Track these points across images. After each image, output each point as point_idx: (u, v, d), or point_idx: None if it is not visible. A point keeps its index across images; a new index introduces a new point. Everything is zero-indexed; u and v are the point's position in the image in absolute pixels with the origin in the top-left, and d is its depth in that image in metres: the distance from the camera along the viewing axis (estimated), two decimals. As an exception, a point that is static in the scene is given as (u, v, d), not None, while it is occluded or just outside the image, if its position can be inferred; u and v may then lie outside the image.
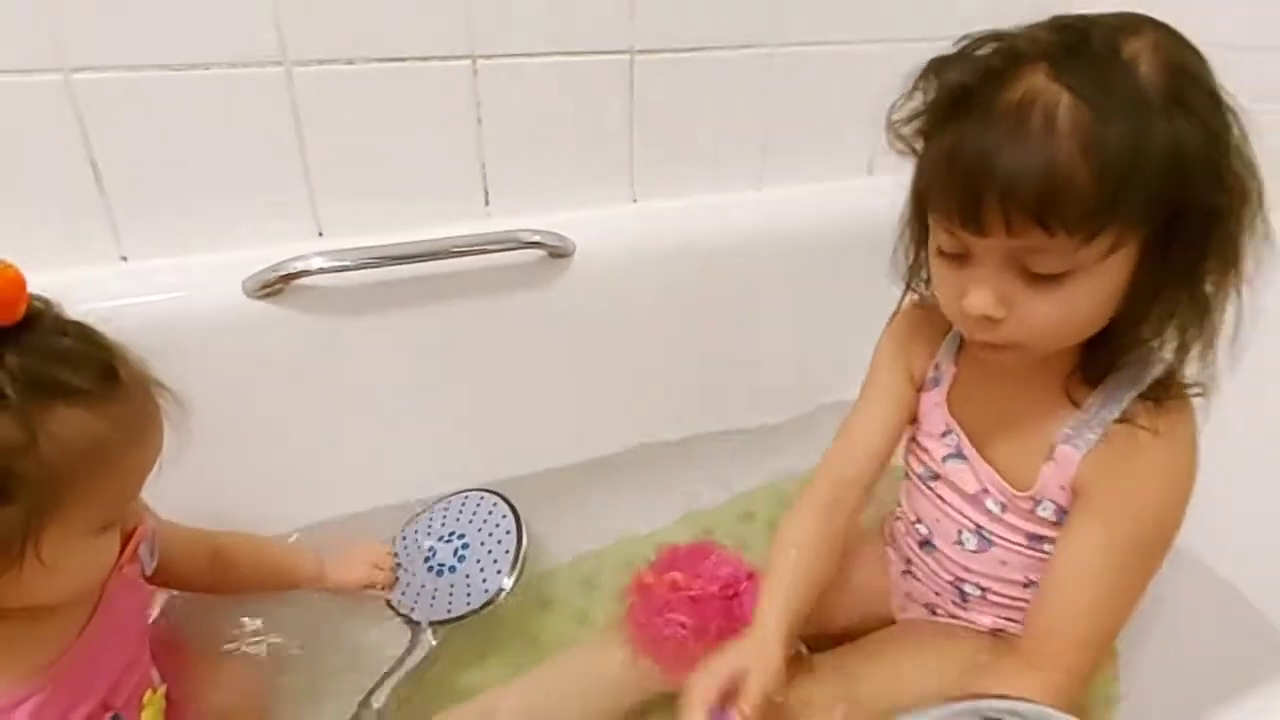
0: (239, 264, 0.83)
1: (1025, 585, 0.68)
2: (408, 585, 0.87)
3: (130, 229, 0.83)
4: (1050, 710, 0.52)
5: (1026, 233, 0.50)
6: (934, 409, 0.70)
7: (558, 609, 0.90)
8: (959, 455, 0.68)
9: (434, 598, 0.85)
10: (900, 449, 0.76)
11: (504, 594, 0.82)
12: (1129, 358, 0.58)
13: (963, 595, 0.72)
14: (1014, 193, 0.49)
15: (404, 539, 0.92)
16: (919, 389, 0.73)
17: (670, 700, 0.69)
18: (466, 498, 0.94)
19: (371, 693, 0.77)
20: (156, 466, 0.56)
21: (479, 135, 0.92)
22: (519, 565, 0.84)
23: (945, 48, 0.56)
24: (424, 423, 0.97)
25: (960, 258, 0.55)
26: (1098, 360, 0.59)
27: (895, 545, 0.80)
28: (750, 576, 0.75)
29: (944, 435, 0.69)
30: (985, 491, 0.66)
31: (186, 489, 0.83)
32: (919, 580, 0.76)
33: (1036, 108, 0.49)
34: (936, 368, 0.71)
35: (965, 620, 0.73)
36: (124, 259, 0.84)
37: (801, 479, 1.04)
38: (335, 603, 0.86)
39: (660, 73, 0.97)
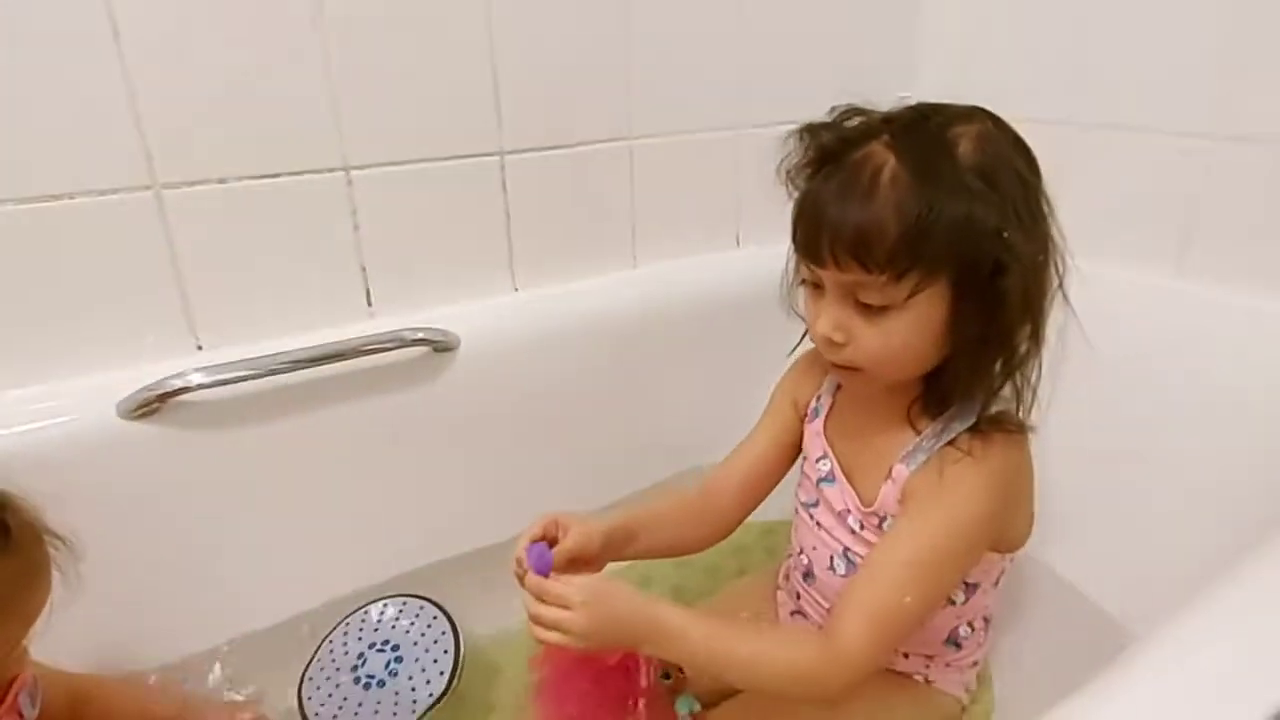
0: (113, 385, 0.82)
1: None
2: (328, 696, 0.83)
3: (-5, 359, 0.81)
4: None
5: (850, 267, 0.61)
6: (815, 437, 0.79)
7: (469, 702, 0.89)
8: (830, 478, 0.76)
9: (356, 714, 0.81)
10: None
11: (431, 711, 0.81)
12: (972, 395, 0.67)
13: None
14: (838, 234, 0.61)
15: (331, 642, 0.88)
16: (804, 419, 0.81)
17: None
18: (404, 604, 0.91)
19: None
20: (45, 611, 0.54)
21: (357, 240, 0.94)
22: (453, 682, 0.82)
23: (782, 132, 0.68)
24: (321, 527, 0.95)
25: (816, 288, 0.66)
26: (935, 394, 0.68)
27: (787, 586, 0.86)
28: None
29: (819, 460, 0.78)
30: (847, 510, 0.74)
31: (78, 621, 0.80)
32: (806, 618, 0.82)
33: (868, 169, 0.61)
34: (818, 399, 0.80)
35: None
36: (-10, 390, 0.81)
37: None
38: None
39: (531, 169, 1.02)
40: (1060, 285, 0.65)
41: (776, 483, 0.84)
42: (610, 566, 0.75)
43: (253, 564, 0.91)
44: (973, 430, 0.67)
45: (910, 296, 0.61)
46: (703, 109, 1.13)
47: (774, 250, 0.73)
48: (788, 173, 0.67)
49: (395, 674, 0.83)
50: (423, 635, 0.87)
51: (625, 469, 1.17)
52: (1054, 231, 0.64)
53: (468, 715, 0.88)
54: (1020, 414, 0.68)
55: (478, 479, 1.05)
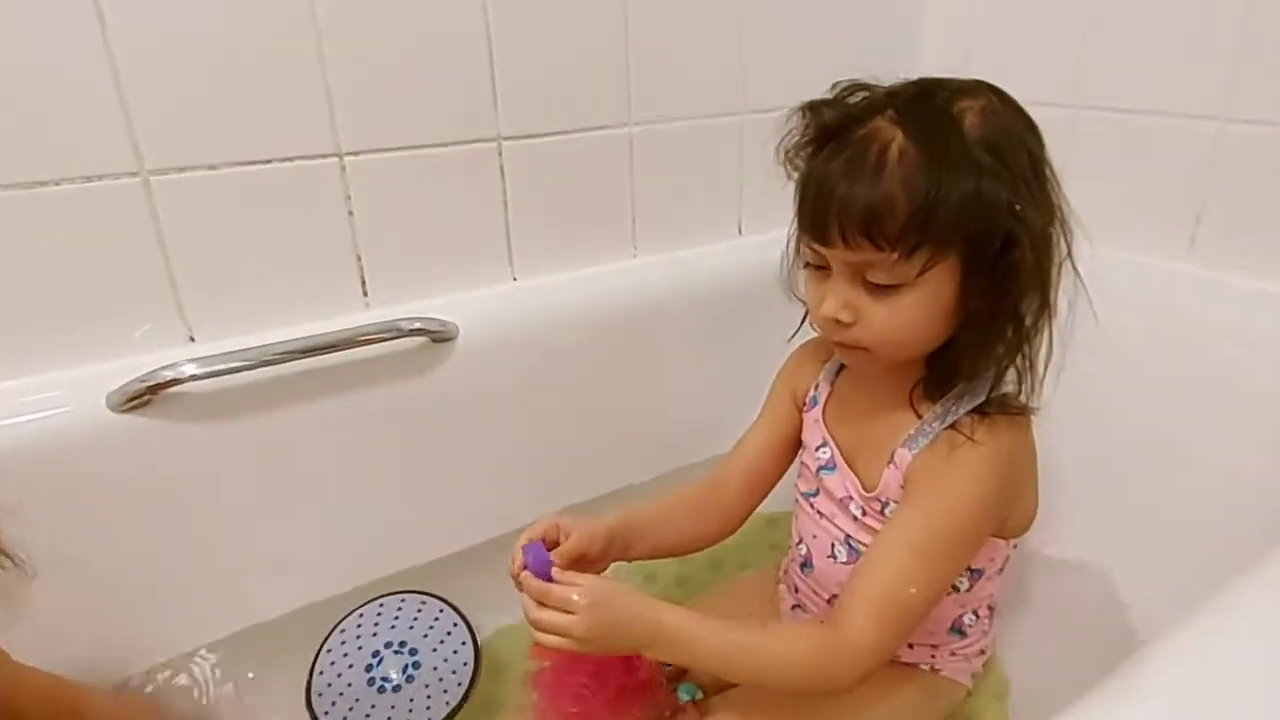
0: (103, 377, 0.80)
1: None
2: (339, 695, 0.78)
3: (-18, 352, 0.79)
4: None
5: (859, 246, 0.60)
6: (814, 425, 0.78)
7: (471, 699, 0.87)
8: (830, 466, 0.75)
9: (367, 716, 0.77)
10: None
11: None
12: (977, 374, 0.65)
13: None
14: (847, 212, 0.59)
15: (343, 632, 0.84)
16: (802, 409, 0.80)
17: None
18: (424, 603, 0.86)
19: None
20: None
21: (352, 228, 0.92)
22: (470, 695, 0.79)
23: (785, 117, 0.66)
24: (316, 522, 0.93)
25: (821, 270, 0.65)
26: (938, 375, 0.67)
27: (786, 580, 0.85)
28: None
29: (819, 449, 0.76)
30: (849, 497, 0.73)
31: (68, 616, 0.79)
32: (805, 611, 0.81)
33: (875, 145, 0.60)
34: (816, 388, 0.79)
35: None
36: (-23, 384, 0.79)
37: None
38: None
39: (529, 156, 1.01)
40: (1069, 254, 0.64)
41: (780, 475, 0.83)
42: (614, 566, 0.74)
43: (247, 559, 0.89)
44: (975, 413, 0.66)
45: (921, 274, 0.60)
46: (704, 94, 1.12)
47: (776, 238, 0.72)
48: (787, 153, 0.66)
49: (412, 679, 0.79)
50: (441, 643, 0.84)
51: (627, 461, 1.15)
52: (1060, 201, 0.64)
53: (471, 712, 0.86)
54: (1024, 395, 0.67)
55: (477, 471, 1.03)
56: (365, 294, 0.96)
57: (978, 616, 0.78)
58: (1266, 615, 0.54)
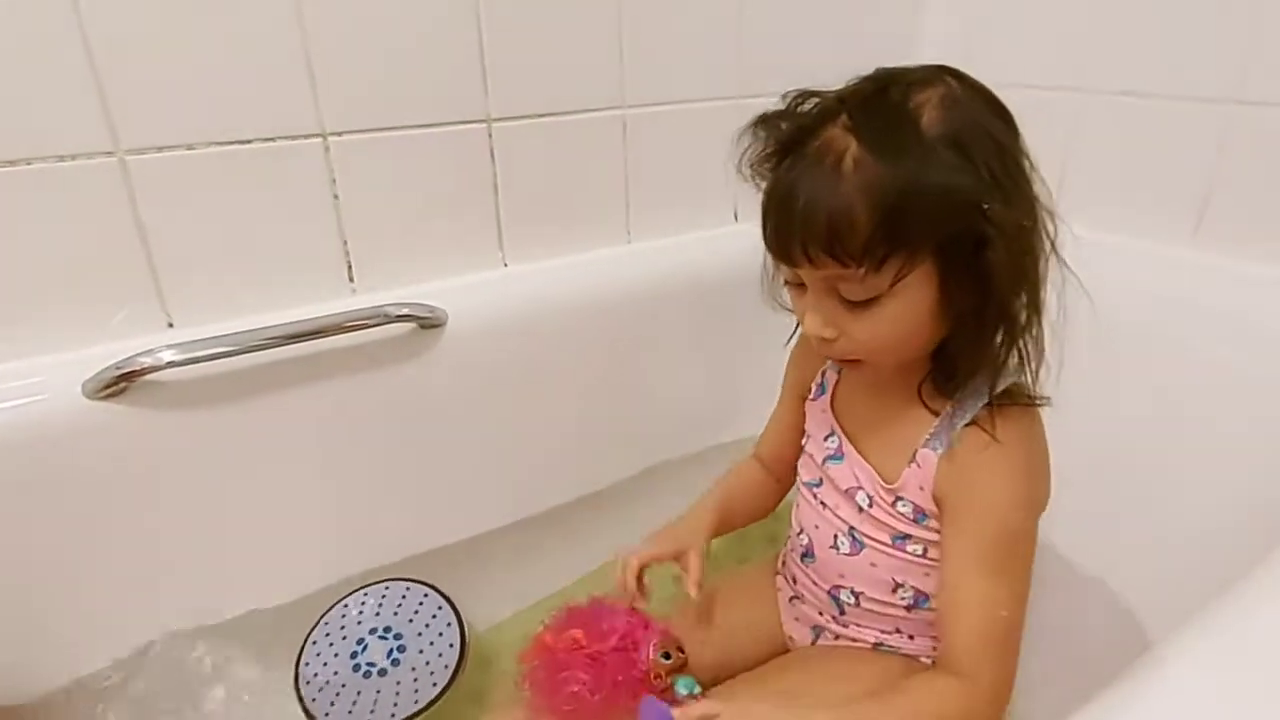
0: (78, 364, 0.77)
1: (894, 589, 0.71)
2: (325, 684, 0.78)
3: (-48, 338, 0.76)
4: None
5: (825, 264, 0.58)
6: (820, 414, 0.76)
7: (460, 691, 0.85)
8: (838, 456, 0.73)
9: (354, 703, 0.77)
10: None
11: (431, 706, 0.77)
12: (978, 370, 0.63)
13: (839, 606, 0.75)
14: (808, 230, 0.57)
15: (327, 624, 0.84)
16: (809, 399, 0.79)
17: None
18: (408, 589, 0.86)
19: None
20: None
21: (337, 211, 0.90)
22: (457, 676, 0.79)
23: (780, 99, 0.64)
24: (299, 514, 0.91)
25: (799, 286, 0.63)
26: (945, 372, 0.65)
27: (785, 570, 0.84)
28: (647, 626, 0.74)
29: (826, 438, 0.75)
30: (858, 486, 0.71)
31: (39, 607, 0.77)
32: (804, 602, 0.80)
33: (829, 155, 0.57)
34: (823, 375, 0.78)
35: (848, 639, 0.76)
36: (-53, 371, 0.77)
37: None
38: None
39: (520, 138, 0.98)
40: (1053, 247, 0.61)
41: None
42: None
43: (226, 552, 0.87)
44: (990, 407, 0.64)
45: (895, 284, 0.57)
46: (700, 77, 1.09)
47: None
48: (752, 166, 0.64)
49: (398, 663, 0.79)
50: (427, 626, 0.83)
51: (620, 452, 1.13)
52: (1039, 191, 0.60)
53: (459, 705, 0.84)
54: (1033, 386, 0.65)
55: (467, 462, 1.01)
56: (351, 279, 0.93)
57: None
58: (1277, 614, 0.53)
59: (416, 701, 0.77)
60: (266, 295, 0.88)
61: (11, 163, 0.73)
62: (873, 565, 0.71)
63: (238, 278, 0.87)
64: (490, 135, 0.96)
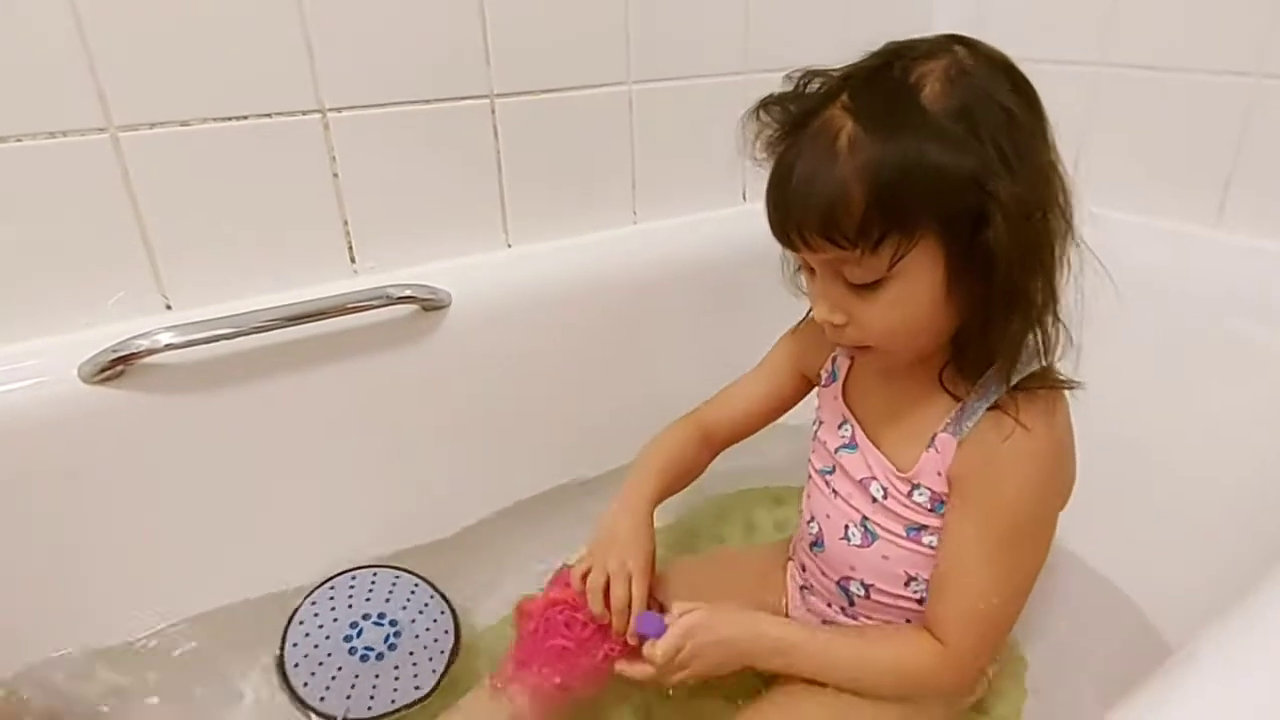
0: (74, 347, 0.75)
1: (906, 583, 0.69)
2: (319, 665, 0.75)
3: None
4: None
5: (822, 247, 0.56)
6: (832, 402, 0.74)
7: (459, 685, 0.83)
8: (851, 445, 0.71)
9: (353, 687, 0.75)
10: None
11: (431, 694, 0.76)
12: (994, 355, 0.61)
13: (849, 598, 0.73)
14: (803, 212, 0.56)
15: (314, 604, 0.81)
16: (819, 385, 0.77)
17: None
18: (398, 577, 0.84)
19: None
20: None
21: (337, 191, 0.88)
22: (451, 663, 0.78)
23: (790, 75, 0.62)
24: (298, 500, 0.90)
25: (810, 269, 0.62)
26: (967, 357, 0.62)
27: (795, 558, 0.82)
28: None
29: (840, 426, 0.73)
30: (872, 477, 0.69)
31: (32, 591, 0.76)
32: (814, 593, 0.78)
33: (826, 136, 0.55)
34: (834, 362, 0.76)
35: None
36: (-58, 354, 0.75)
37: (721, 495, 1.06)
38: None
39: (523, 115, 0.96)
40: (1069, 229, 0.58)
41: (752, 433, 0.84)
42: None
43: (225, 537, 0.86)
44: (1015, 391, 0.61)
45: (894, 265, 0.55)
46: (707, 52, 1.06)
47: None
48: (763, 150, 0.62)
49: (395, 648, 0.77)
50: (420, 613, 0.81)
51: (625, 436, 1.09)
52: (1057, 167, 0.58)
53: (445, 692, 0.82)
54: (1057, 367, 0.63)
55: (470, 447, 0.99)
56: (352, 260, 0.91)
57: None
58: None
59: (417, 689, 0.76)
60: (266, 276, 0.86)
61: (1, 139, 0.71)
62: (885, 558, 0.69)
63: (236, 259, 0.85)
64: (493, 112, 0.94)
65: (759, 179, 1.12)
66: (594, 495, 1.07)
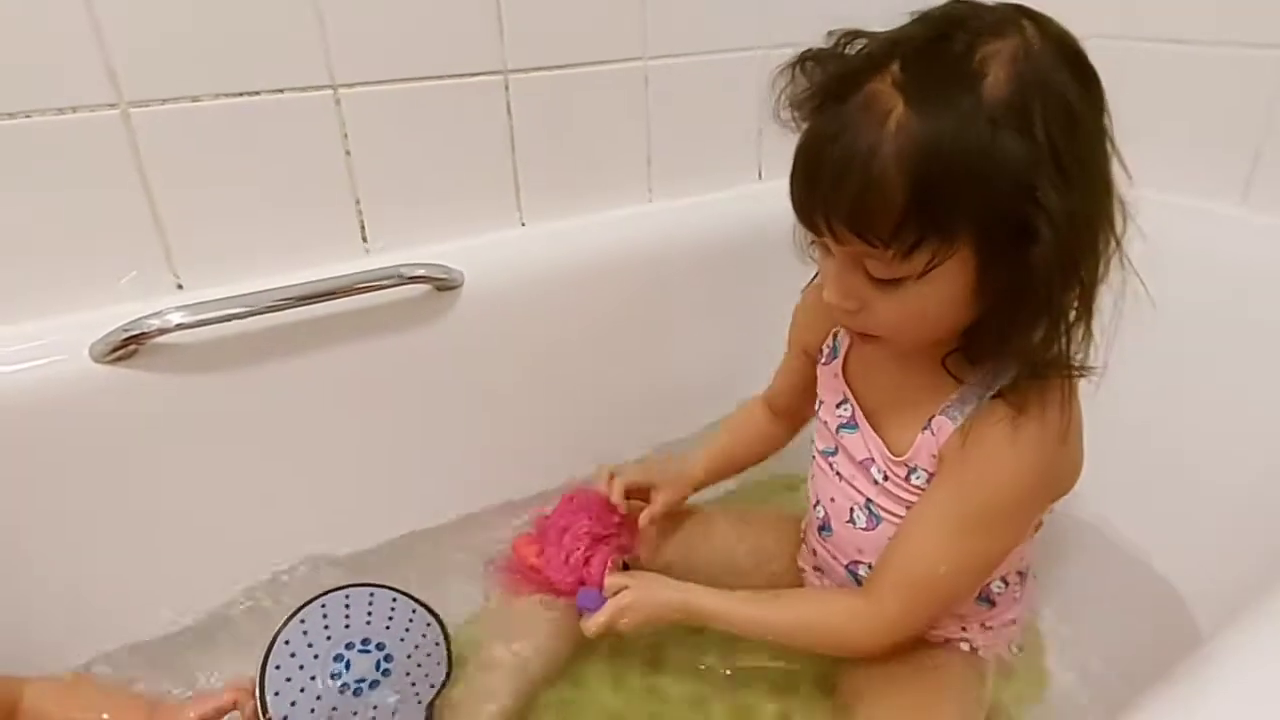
0: (85, 326, 0.75)
1: None
2: (300, 693, 0.67)
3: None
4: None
5: (849, 240, 0.52)
6: (832, 379, 0.72)
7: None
8: (851, 424, 0.69)
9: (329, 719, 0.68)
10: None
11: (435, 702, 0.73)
12: (1010, 357, 0.58)
13: (858, 581, 0.72)
14: (834, 201, 0.51)
15: (288, 643, 0.71)
16: (820, 362, 0.75)
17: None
18: (373, 595, 0.77)
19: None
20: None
21: (349, 168, 0.86)
22: (451, 671, 0.75)
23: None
24: (310, 482, 0.89)
25: (825, 247, 0.57)
26: (977, 350, 0.59)
27: (807, 540, 0.82)
28: (606, 538, 0.81)
29: (839, 405, 0.71)
30: (870, 459, 0.68)
31: (41, 576, 0.75)
32: (824, 573, 0.77)
33: (870, 115, 0.49)
34: (834, 338, 0.73)
35: None
36: (-49, 332, 0.74)
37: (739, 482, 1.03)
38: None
39: (537, 91, 0.94)
40: (1118, 245, 0.53)
41: (813, 408, 0.79)
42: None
43: (236, 520, 0.85)
44: (1021, 376, 0.58)
45: (926, 272, 0.52)
46: (724, 26, 1.04)
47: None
48: (791, 105, 0.56)
49: (389, 673, 0.71)
50: (407, 630, 0.75)
51: (642, 418, 1.10)
52: (1111, 174, 0.53)
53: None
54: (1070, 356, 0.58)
55: (484, 429, 0.98)
56: (364, 239, 0.90)
57: (1006, 584, 0.73)
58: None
59: (419, 705, 0.72)
60: (277, 255, 0.85)
61: (9, 115, 0.70)
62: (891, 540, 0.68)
63: (247, 237, 0.84)
64: (507, 88, 0.92)
65: (776, 157, 1.10)
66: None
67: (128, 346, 0.75)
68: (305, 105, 0.82)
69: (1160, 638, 0.81)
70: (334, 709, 0.68)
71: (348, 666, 0.70)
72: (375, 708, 0.69)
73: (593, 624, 0.71)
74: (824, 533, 0.74)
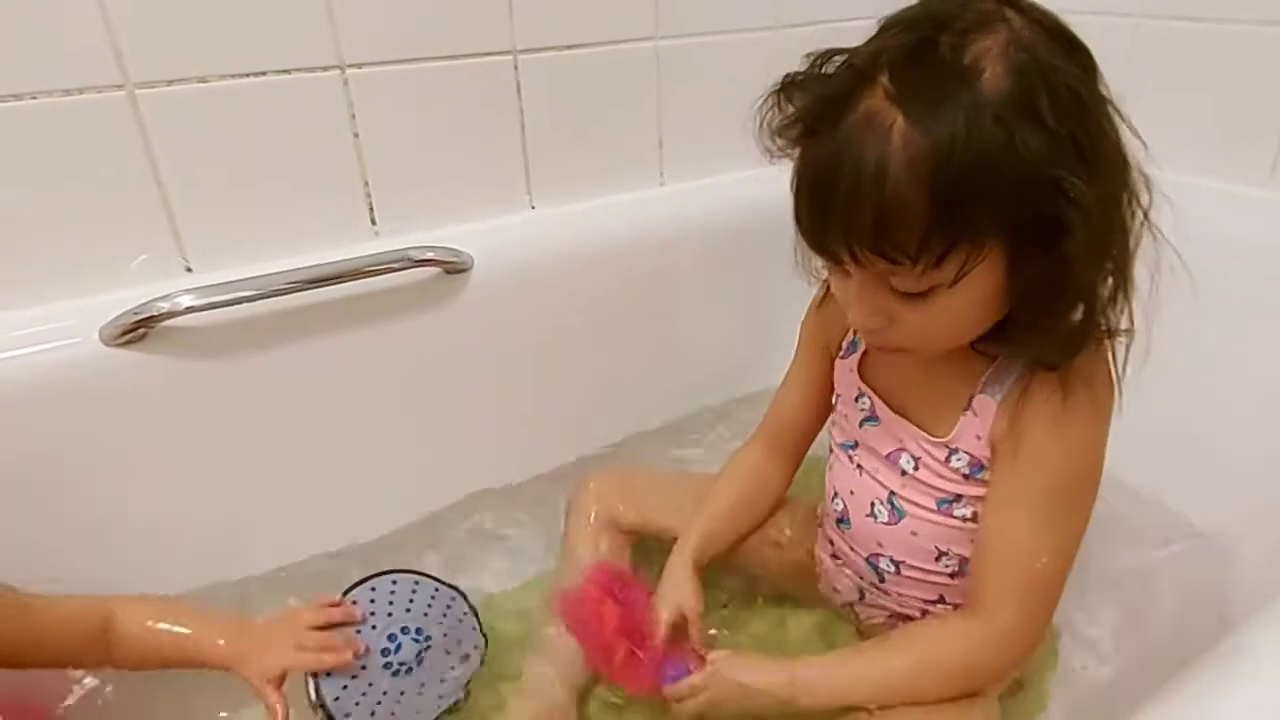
0: (95, 309, 0.75)
1: (938, 558, 0.67)
2: (351, 678, 0.69)
3: (-33, 282, 0.74)
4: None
5: (874, 262, 0.50)
6: (847, 374, 0.71)
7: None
8: (873, 418, 0.68)
9: (379, 703, 0.69)
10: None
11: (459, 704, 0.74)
12: (1057, 348, 0.56)
13: (878, 574, 0.71)
14: (853, 230, 0.49)
15: (355, 604, 0.73)
16: (838, 356, 0.73)
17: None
18: (418, 583, 0.77)
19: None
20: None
21: (357, 150, 0.86)
22: (480, 665, 0.75)
23: (829, 32, 0.56)
24: (320, 466, 0.89)
25: (842, 270, 0.55)
26: (1009, 334, 0.57)
27: (823, 531, 0.80)
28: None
29: (857, 400, 0.70)
30: (900, 449, 0.66)
31: (49, 558, 0.76)
32: (845, 568, 0.76)
33: (872, 135, 0.48)
34: (854, 332, 0.71)
35: (891, 605, 0.73)
36: (-39, 316, 0.75)
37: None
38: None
39: (547, 72, 0.93)
40: (1145, 217, 0.52)
41: (822, 426, 0.79)
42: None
43: (244, 504, 0.85)
44: (1058, 343, 0.56)
45: (959, 279, 0.50)
46: (737, 5, 1.02)
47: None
48: (774, 134, 0.55)
49: (422, 661, 0.73)
50: (443, 617, 0.76)
51: (652, 401, 1.10)
52: (1125, 147, 0.51)
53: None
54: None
55: (493, 411, 0.98)
56: (373, 222, 0.90)
57: None
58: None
59: (440, 703, 0.73)
60: (286, 238, 0.84)
61: (16, 96, 0.70)
62: (913, 534, 0.67)
63: (256, 220, 0.83)
64: (516, 68, 0.91)
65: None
66: (620, 463, 1.05)
67: (138, 330, 0.75)
68: (313, 86, 0.81)
69: (1187, 620, 0.80)
70: (371, 685, 0.70)
71: (398, 648, 0.72)
72: (404, 693, 0.71)
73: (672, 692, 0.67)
74: (842, 525, 0.73)
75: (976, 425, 0.61)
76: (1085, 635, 0.80)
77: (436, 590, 0.77)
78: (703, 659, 0.68)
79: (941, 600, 0.70)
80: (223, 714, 0.75)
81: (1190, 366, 0.88)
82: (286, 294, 0.79)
